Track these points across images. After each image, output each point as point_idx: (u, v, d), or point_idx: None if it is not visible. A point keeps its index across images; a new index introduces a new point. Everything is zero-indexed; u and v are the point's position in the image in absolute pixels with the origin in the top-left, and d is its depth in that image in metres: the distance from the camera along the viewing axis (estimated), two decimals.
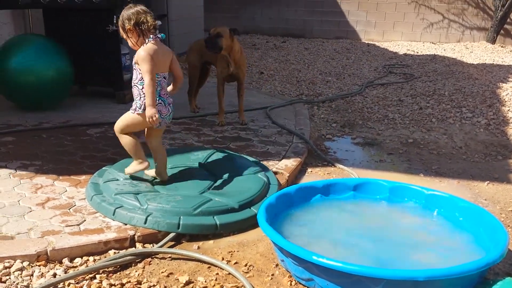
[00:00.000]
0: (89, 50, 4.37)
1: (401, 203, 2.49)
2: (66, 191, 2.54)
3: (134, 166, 2.58)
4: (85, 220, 2.24)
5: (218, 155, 2.99)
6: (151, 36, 2.41)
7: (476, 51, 8.65)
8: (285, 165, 3.04)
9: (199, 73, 4.18)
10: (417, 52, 8.61)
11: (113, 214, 2.27)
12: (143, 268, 2.00)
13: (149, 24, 2.39)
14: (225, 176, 2.72)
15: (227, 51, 3.70)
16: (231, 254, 2.14)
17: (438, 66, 6.88)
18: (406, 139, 3.86)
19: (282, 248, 1.88)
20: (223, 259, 2.09)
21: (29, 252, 1.96)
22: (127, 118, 2.53)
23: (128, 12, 2.41)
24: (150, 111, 2.35)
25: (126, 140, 2.57)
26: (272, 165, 3.04)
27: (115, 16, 4.19)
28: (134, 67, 2.46)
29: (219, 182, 2.65)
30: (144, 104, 2.40)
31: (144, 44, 2.41)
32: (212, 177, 2.71)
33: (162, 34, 2.47)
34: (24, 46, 3.99)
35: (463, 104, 4.75)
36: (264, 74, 6.34)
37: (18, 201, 2.40)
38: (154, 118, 2.35)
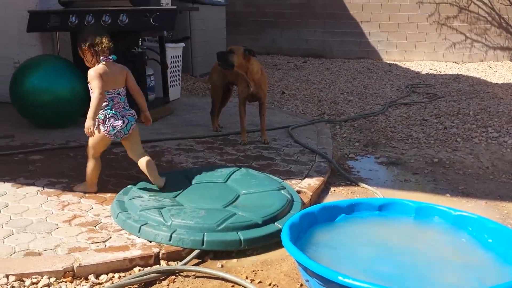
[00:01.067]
0: None
1: (428, 223, 2.44)
2: (92, 208, 2.58)
3: (83, 186, 2.82)
4: (110, 237, 2.26)
5: (241, 172, 3.00)
6: (102, 58, 2.63)
7: (500, 71, 8.54)
8: (308, 184, 3.02)
9: (221, 93, 4.22)
10: (440, 72, 8.55)
11: (139, 232, 2.28)
12: (168, 285, 2.00)
13: (103, 46, 2.63)
14: (248, 191, 2.73)
15: (243, 70, 3.75)
16: (255, 273, 2.13)
17: (461, 86, 6.81)
18: (431, 159, 3.81)
19: (307, 268, 1.86)
20: (247, 278, 2.08)
21: (56, 268, 1.99)
22: (90, 138, 2.69)
23: (86, 33, 2.69)
24: (87, 123, 2.54)
25: (91, 165, 2.77)
26: (295, 184, 3.03)
27: (140, 39, 4.30)
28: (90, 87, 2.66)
29: (242, 197, 2.67)
30: (98, 121, 2.60)
31: (97, 64, 2.64)
32: (235, 192, 2.73)
33: (113, 56, 2.71)
34: (41, 67, 4.09)
35: (489, 123, 4.68)
36: (286, 94, 6.37)
37: (46, 218, 2.44)
38: (89, 130, 2.53)
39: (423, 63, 9.76)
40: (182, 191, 2.75)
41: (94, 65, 2.65)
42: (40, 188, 2.82)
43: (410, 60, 10.37)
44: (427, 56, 10.40)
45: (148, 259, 2.13)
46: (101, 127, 2.64)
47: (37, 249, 2.14)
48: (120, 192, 2.71)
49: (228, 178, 2.92)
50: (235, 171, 3.02)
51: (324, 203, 2.54)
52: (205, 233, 2.26)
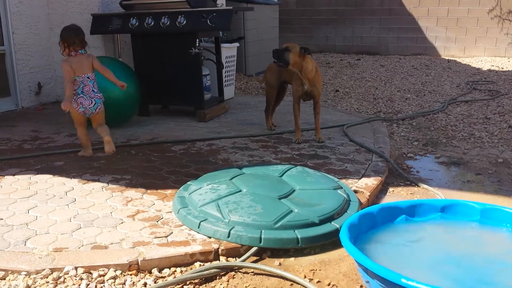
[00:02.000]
0: (173, 71, 4.60)
1: (494, 226, 2.33)
2: (154, 204, 2.67)
3: (81, 152, 3.53)
4: (172, 233, 2.33)
5: (297, 169, 3.01)
6: (73, 52, 3.34)
7: None
8: (365, 184, 2.98)
9: (276, 92, 4.24)
10: (502, 68, 8.14)
11: (198, 227, 2.34)
12: (228, 281, 2.04)
13: (75, 43, 3.34)
14: (304, 187, 2.73)
15: (297, 68, 3.73)
16: (313, 273, 2.12)
17: None
18: (495, 159, 3.64)
19: (368, 269, 1.83)
20: (305, 277, 2.08)
21: (122, 261, 2.08)
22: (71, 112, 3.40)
23: (64, 31, 3.38)
24: (62, 102, 3.27)
25: (78, 132, 3.51)
26: (351, 183, 2.99)
27: (197, 40, 4.39)
28: None
29: (297, 192, 2.68)
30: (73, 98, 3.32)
31: (67, 56, 3.35)
32: (290, 187, 2.74)
33: (82, 50, 3.38)
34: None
35: None
36: (340, 92, 6.29)
37: (111, 213, 2.55)
38: (63, 107, 3.24)
39: (484, 59, 9.33)
40: (239, 175, 2.87)
41: (68, 55, 3.36)
42: (105, 184, 2.96)
43: (470, 56, 9.95)
44: (488, 52, 9.94)
45: (208, 254, 2.18)
46: (73, 104, 3.32)
47: (104, 242, 2.24)
48: (181, 188, 2.79)
49: (284, 173, 2.94)
50: (291, 168, 3.03)
51: (383, 204, 2.48)
52: (263, 231, 2.28)
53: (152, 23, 4.44)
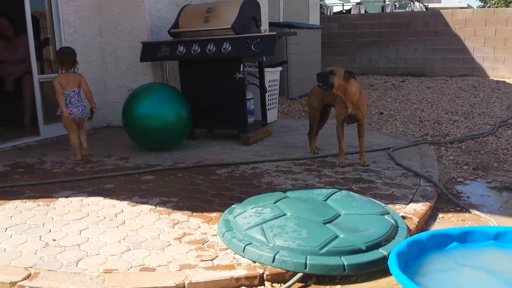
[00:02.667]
0: (218, 96, 4.70)
1: None
2: (200, 227, 2.71)
3: (72, 156, 4.26)
4: (217, 256, 2.36)
5: (342, 194, 2.98)
6: (64, 70, 4.15)
7: None
8: (413, 209, 2.90)
9: (319, 115, 4.24)
10: None
11: (243, 251, 2.35)
12: None
13: (66, 63, 4.15)
14: (349, 212, 2.69)
15: (341, 91, 3.72)
16: None
17: None
18: None
19: None
20: None
21: (169, 284, 2.11)
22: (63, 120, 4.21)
23: (58, 52, 4.29)
24: (64, 111, 4.12)
25: (71, 139, 4.25)
26: (399, 208, 2.92)
27: (242, 65, 4.48)
28: None
29: (343, 217, 2.64)
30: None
31: (61, 73, 4.19)
32: (335, 211, 2.71)
33: (72, 69, 4.19)
34: (148, 95, 4.37)
35: None
36: (384, 114, 6.21)
37: (158, 235, 2.61)
38: (65, 114, 4.11)
39: None
40: (283, 199, 2.88)
41: (62, 72, 4.17)
42: (153, 207, 3.03)
43: None
44: None
45: (253, 279, 2.18)
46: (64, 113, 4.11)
47: (152, 264, 2.29)
48: (225, 211, 2.82)
49: (328, 197, 2.92)
50: (335, 192, 3.01)
51: (433, 230, 2.42)
52: (308, 256, 2.26)
53: (199, 50, 4.58)
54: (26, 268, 2.25)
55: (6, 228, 2.73)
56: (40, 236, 2.61)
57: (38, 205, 3.10)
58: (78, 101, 4.21)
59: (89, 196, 3.26)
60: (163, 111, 4.27)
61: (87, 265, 2.28)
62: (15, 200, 3.20)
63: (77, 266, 2.27)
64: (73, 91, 4.17)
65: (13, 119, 5.40)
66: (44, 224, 2.78)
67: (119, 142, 4.87)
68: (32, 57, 4.93)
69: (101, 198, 3.21)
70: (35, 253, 2.40)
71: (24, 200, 3.20)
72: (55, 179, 3.66)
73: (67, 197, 3.25)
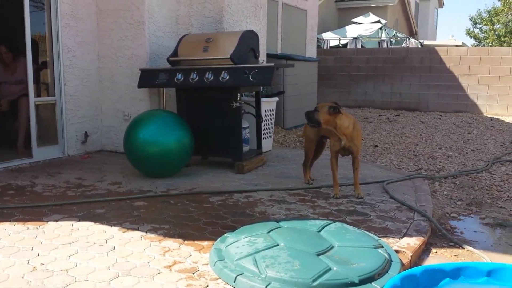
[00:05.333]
0: (213, 124, 4.72)
1: None
2: (191, 255, 2.66)
3: None
4: (208, 286, 2.31)
5: (336, 225, 2.96)
6: None
7: None
8: (407, 244, 2.88)
9: (315, 146, 4.25)
10: None
11: (234, 282, 2.31)
12: None
13: None
14: (343, 245, 2.66)
15: (331, 126, 3.75)
16: None
17: None
18: None
19: None
20: None
21: None
22: None
23: None
24: None
25: None
26: (392, 242, 2.90)
27: (239, 94, 4.52)
28: None
29: (336, 249, 2.62)
30: None
31: None
32: (328, 243, 2.69)
33: None
34: (150, 122, 4.35)
35: None
36: (379, 147, 6.24)
37: (148, 262, 2.57)
38: None
39: None
40: (276, 229, 2.85)
41: None
42: (144, 233, 2.99)
43: None
44: None
45: None
46: None
47: None
48: (218, 240, 2.79)
49: (322, 228, 2.89)
50: (329, 223, 2.99)
51: (426, 266, 2.39)
52: None
53: (197, 78, 4.62)
54: None
55: None
56: (28, 260, 2.56)
57: (28, 228, 3.05)
58: None
59: (80, 220, 3.21)
60: (163, 138, 4.26)
61: None
62: (5, 222, 3.15)
63: None
64: None
65: (6, 141, 5.37)
66: (32, 247, 2.73)
67: (112, 167, 4.84)
68: (29, 80, 4.96)
69: (92, 223, 3.17)
70: (22, 277, 2.35)
71: (14, 223, 3.15)
72: (46, 202, 3.62)
73: (57, 221, 3.21)
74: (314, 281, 2.26)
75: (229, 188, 4.06)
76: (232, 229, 2.99)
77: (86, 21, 5.47)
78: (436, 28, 28.62)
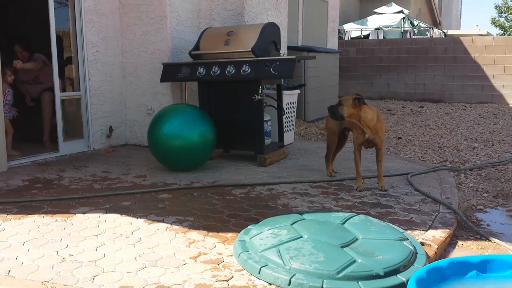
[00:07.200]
0: (235, 117, 4.74)
1: None
2: (216, 247, 2.69)
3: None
4: (233, 277, 2.34)
5: (360, 218, 2.95)
6: None
7: None
8: (432, 236, 2.85)
9: (337, 139, 4.23)
10: None
11: (259, 273, 2.33)
12: None
13: None
14: (367, 237, 2.65)
15: (355, 118, 3.72)
16: None
17: None
18: None
19: None
20: None
21: None
22: None
23: None
24: None
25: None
26: (417, 235, 2.87)
27: (260, 87, 4.52)
28: None
29: (360, 241, 2.61)
30: None
31: None
32: (353, 235, 2.68)
33: None
34: (174, 115, 4.36)
35: None
36: (402, 139, 6.17)
37: (174, 253, 2.61)
38: None
39: None
40: (299, 221, 2.86)
41: None
42: (169, 225, 3.03)
43: None
44: None
45: None
46: None
47: (167, 283, 2.28)
48: (241, 232, 2.81)
49: (346, 221, 2.89)
50: (353, 216, 2.98)
51: (452, 258, 2.37)
52: (324, 280, 2.23)
53: (219, 72, 4.64)
54: (43, 282, 2.26)
55: (24, 242, 2.75)
56: (57, 251, 2.62)
57: (56, 220, 3.13)
58: None
59: (106, 213, 3.28)
60: (187, 132, 4.28)
61: (103, 281, 2.28)
62: (34, 215, 3.23)
63: (93, 282, 2.28)
64: None
65: (33, 136, 5.50)
66: (61, 239, 2.80)
67: (136, 160, 4.91)
68: (55, 75, 5.05)
69: (118, 215, 3.23)
70: (52, 268, 2.42)
71: (42, 215, 3.23)
72: (73, 195, 3.70)
73: (84, 213, 3.28)
74: (338, 273, 2.26)
75: (252, 181, 4.08)
76: (255, 221, 3.00)
77: (109, 16, 5.53)
78: (460, 18, 28.03)
